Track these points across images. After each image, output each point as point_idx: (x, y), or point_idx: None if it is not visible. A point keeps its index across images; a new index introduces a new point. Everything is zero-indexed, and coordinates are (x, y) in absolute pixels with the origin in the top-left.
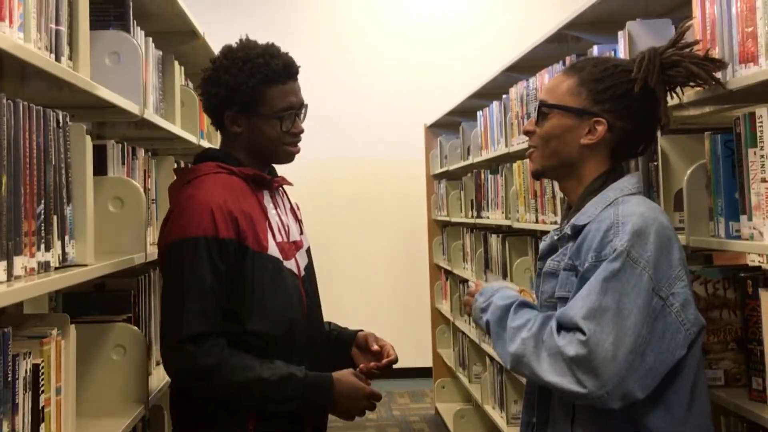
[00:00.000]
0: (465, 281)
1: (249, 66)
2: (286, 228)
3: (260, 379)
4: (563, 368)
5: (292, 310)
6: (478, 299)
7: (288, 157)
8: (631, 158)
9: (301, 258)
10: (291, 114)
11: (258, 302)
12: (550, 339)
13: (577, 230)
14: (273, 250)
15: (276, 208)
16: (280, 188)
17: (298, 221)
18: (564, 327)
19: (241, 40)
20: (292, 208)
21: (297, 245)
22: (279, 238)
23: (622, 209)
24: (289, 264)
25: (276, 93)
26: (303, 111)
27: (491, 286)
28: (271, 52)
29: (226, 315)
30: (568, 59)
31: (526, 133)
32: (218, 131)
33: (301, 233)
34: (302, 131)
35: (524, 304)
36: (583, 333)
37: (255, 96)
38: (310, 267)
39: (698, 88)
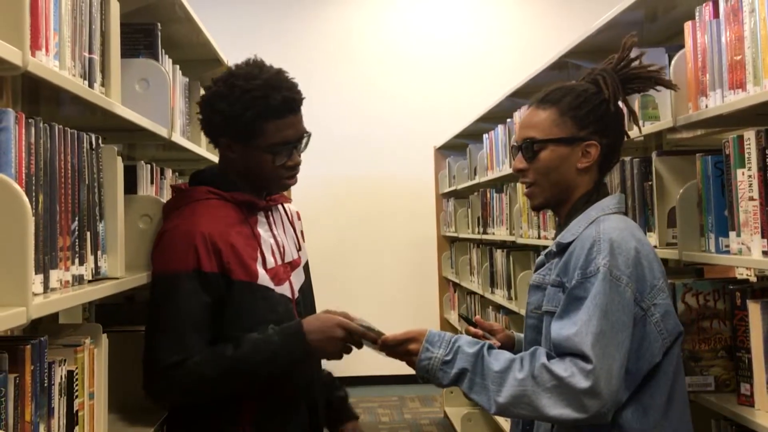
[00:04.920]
0: (472, 293)
1: (247, 98)
2: (282, 249)
3: (233, 359)
4: (568, 399)
5: None
6: (432, 350)
7: (282, 188)
8: (612, 168)
9: (297, 278)
10: (288, 148)
11: (247, 332)
12: (544, 372)
13: (562, 247)
14: (263, 279)
15: (272, 228)
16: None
17: (297, 234)
18: (563, 352)
19: (248, 63)
20: (290, 220)
21: (293, 264)
22: (272, 263)
23: (603, 227)
24: (282, 289)
25: (272, 127)
26: (305, 141)
27: (436, 334)
28: (273, 83)
29: (220, 340)
30: None
31: (518, 171)
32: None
33: (299, 248)
34: (298, 164)
35: (490, 347)
36: (589, 361)
37: (250, 128)
38: (306, 285)
39: (691, 112)
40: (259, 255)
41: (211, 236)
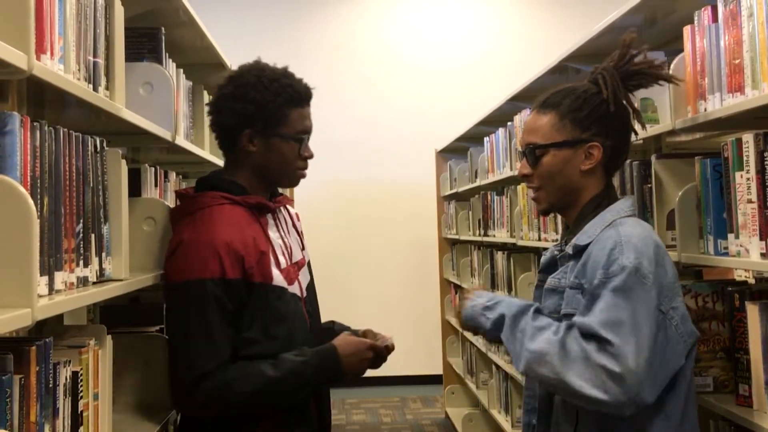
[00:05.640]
0: None
1: (276, 85)
2: (289, 249)
3: (270, 380)
4: (591, 373)
5: (296, 334)
6: (476, 300)
7: (296, 181)
8: (620, 168)
9: (303, 277)
10: (307, 138)
11: (264, 332)
12: (577, 343)
13: (579, 250)
14: (278, 279)
15: (279, 230)
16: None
17: (299, 234)
18: (584, 335)
19: (256, 62)
20: (293, 221)
21: (299, 264)
22: (283, 264)
23: (623, 230)
24: (293, 288)
25: (297, 115)
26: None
27: (485, 292)
28: (291, 74)
29: (239, 343)
30: None
31: (524, 176)
32: (224, 152)
33: (303, 248)
34: (313, 156)
35: (540, 311)
36: (610, 343)
37: (278, 115)
38: (311, 284)
39: (690, 116)
40: (272, 257)
41: (232, 243)
